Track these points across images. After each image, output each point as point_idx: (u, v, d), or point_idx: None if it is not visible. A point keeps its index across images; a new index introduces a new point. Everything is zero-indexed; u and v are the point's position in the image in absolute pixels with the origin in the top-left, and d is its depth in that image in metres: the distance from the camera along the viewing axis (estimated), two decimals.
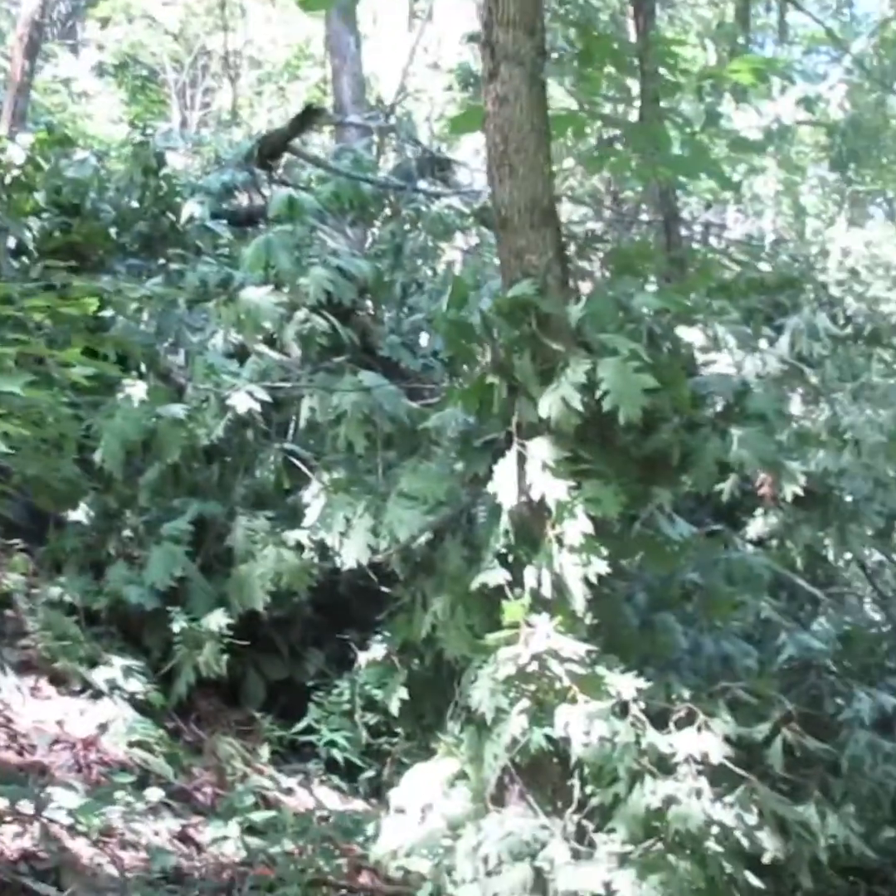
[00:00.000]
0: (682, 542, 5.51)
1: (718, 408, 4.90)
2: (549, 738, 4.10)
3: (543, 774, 4.32)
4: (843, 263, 15.99)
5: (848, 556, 8.24)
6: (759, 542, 7.35)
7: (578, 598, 4.13)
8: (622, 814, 3.83)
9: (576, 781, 4.19)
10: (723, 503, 7.22)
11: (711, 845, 3.85)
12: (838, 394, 8.25)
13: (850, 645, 6.74)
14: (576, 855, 3.98)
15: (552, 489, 4.08)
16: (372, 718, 5.05)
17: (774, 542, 7.30)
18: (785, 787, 4.49)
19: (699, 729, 3.99)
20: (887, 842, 6.52)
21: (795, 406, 8.85)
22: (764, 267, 10.31)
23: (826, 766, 5.98)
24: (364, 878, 4.36)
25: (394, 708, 4.81)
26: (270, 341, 5.75)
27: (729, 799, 4.00)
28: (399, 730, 5.05)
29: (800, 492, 6.92)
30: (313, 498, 4.71)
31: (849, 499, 7.63)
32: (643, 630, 5.08)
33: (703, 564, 5.40)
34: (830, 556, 7.72)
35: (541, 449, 4.13)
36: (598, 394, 4.07)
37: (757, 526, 7.46)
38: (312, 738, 4.84)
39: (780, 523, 7.39)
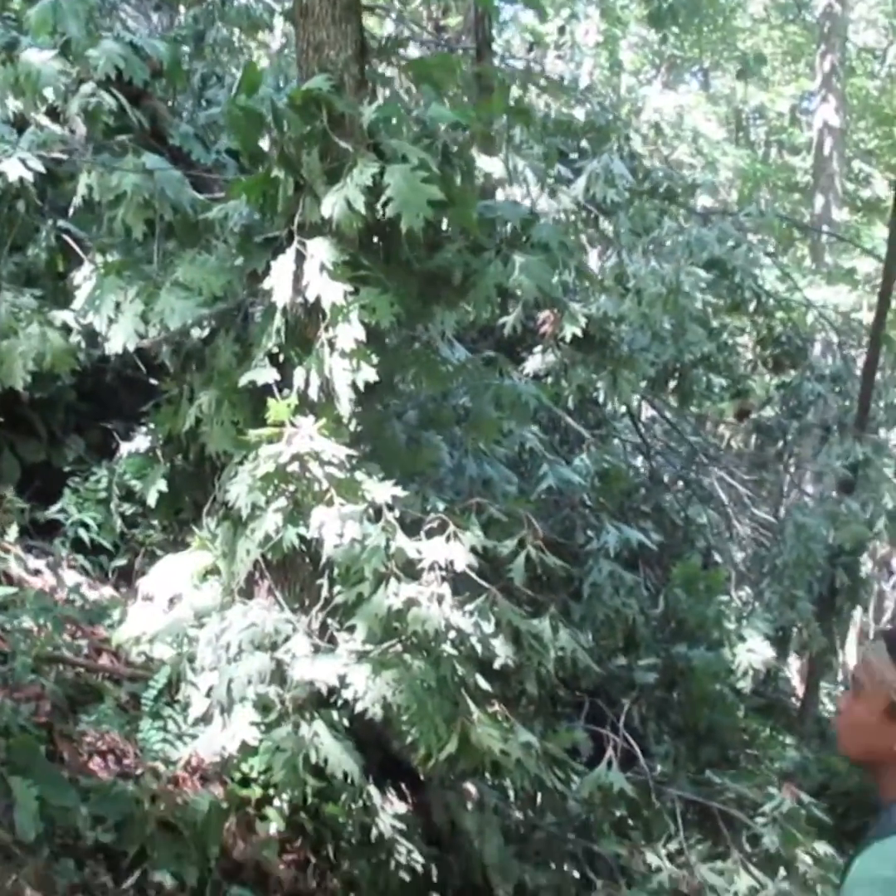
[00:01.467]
0: (457, 366, 5.60)
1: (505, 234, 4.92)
2: (302, 537, 4.16)
3: (293, 572, 4.41)
4: (651, 123, 16.14)
5: (619, 404, 8.54)
6: (536, 378, 7.51)
7: (344, 403, 4.14)
8: (364, 612, 3.94)
9: (324, 581, 4.28)
10: (504, 337, 7.35)
11: (447, 648, 4.01)
12: (626, 243, 8.41)
13: (608, 483, 7.05)
14: (316, 649, 4.09)
15: (328, 291, 4.05)
16: (128, 509, 5.00)
17: (550, 380, 7.48)
18: (525, 603, 4.70)
19: (448, 539, 4.11)
20: (618, 669, 6.97)
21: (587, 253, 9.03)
22: (575, 113, 10.29)
23: (568, 593, 6.31)
24: (104, 660, 4.38)
25: (151, 499, 4.77)
26: (53, 114, 5.43)
27: (469, 607, 4.16)
28: (155, 522, 5.03)
29: (579, 333, 7.12)
30: (84, 279, 4.54)
31: (625, 348, 7.88)
32: (409, 446, 5.16)
33: (475, 388, 5.50)
34: (601, 400, 7.96)
35: (321, 249, 4.08)
36: (383, 200, 4.02)
37: (535, 362, 7.64)
38: (62, 516, 4.77)
39: (558, 362, 7.58)
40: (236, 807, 4.11)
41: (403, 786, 4.86)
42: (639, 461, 9.81)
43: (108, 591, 4.80)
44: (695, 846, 4.86)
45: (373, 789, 4.51)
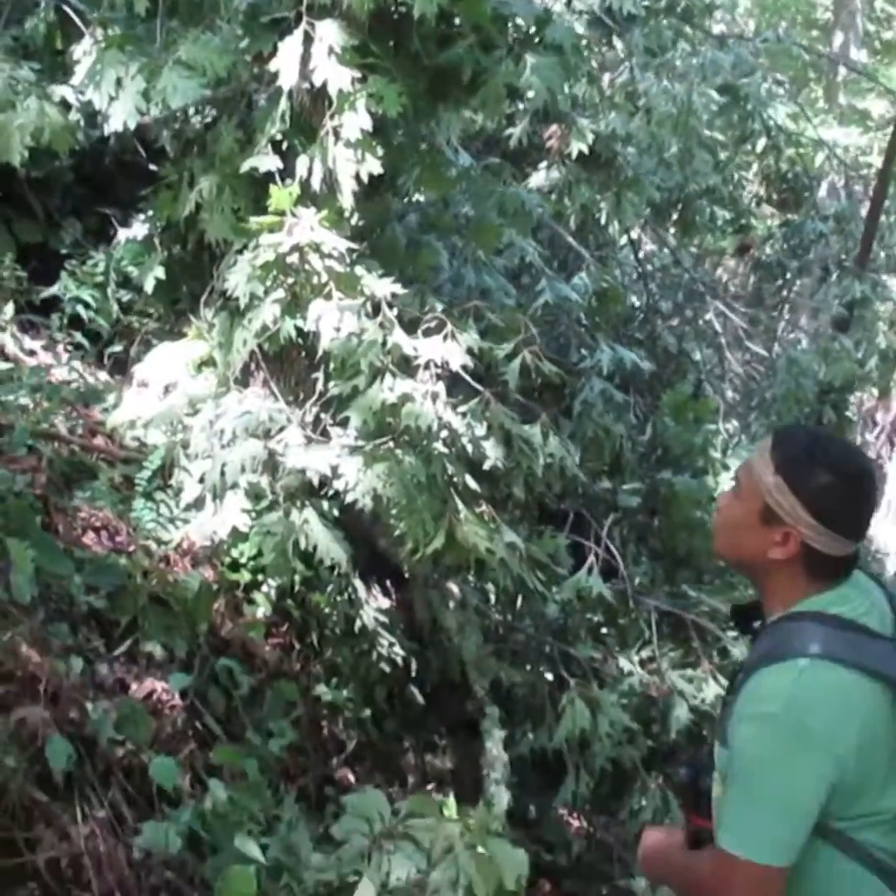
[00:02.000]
0: (461, 170, 5.52)
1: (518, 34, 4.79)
2: (299, 329, 4.15)
3: (289, 365, 4.42)
4: None
5: (621, 228, 8.45)
6: (539, 193, 7.39)
7: (347, 194, 4.09)
8: (358, 405, 3.96)
9: (320, 375, 4.30)
10: (510, 150, 7.22)
11: (438, 446, 4.05)
12: (639, 63, 8.21)
13: (605, 302, 7.02)
14: (309, 441, 4.13)
15: (336, 76, 3.95)
16: (125, 296, 4.96)
17: (554, 196, 7.38)
18: (518, 410, 4.73)
19: (445, 338, 4.12)
20: (602, 491, 7.06)
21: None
22: None
23: (559, 409, 6.35)
24: (99, 441, 4.41)
25: (149, 286, 4.75)
26: None
27: (462, 408, 4.19)
28: (151, 311, 5.01)
29: (585, 151, 6.98)
30: (84, 54, 4.41)
31: (631, 171, 7.74)
32: (409, 248, 5.12)
33: (478, 194, 5.42)
34: (603, 222, 7.86)
35: (330, 32, 3.97)
36: None
37: (539, 178, 7.51)
38: (60, 292, 4.73)
39: (562, 179, 7.46)
40: (225, 589, 4.22)
41: (388, 583, 4.99)
42: (637, 289, 9.76)
43: (103, 376, 4.81)
44: (667, 654, 5.02)
45: (358, 583, 4.62)
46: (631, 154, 7.89)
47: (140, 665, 3.64)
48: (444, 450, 4.03)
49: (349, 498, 3.94)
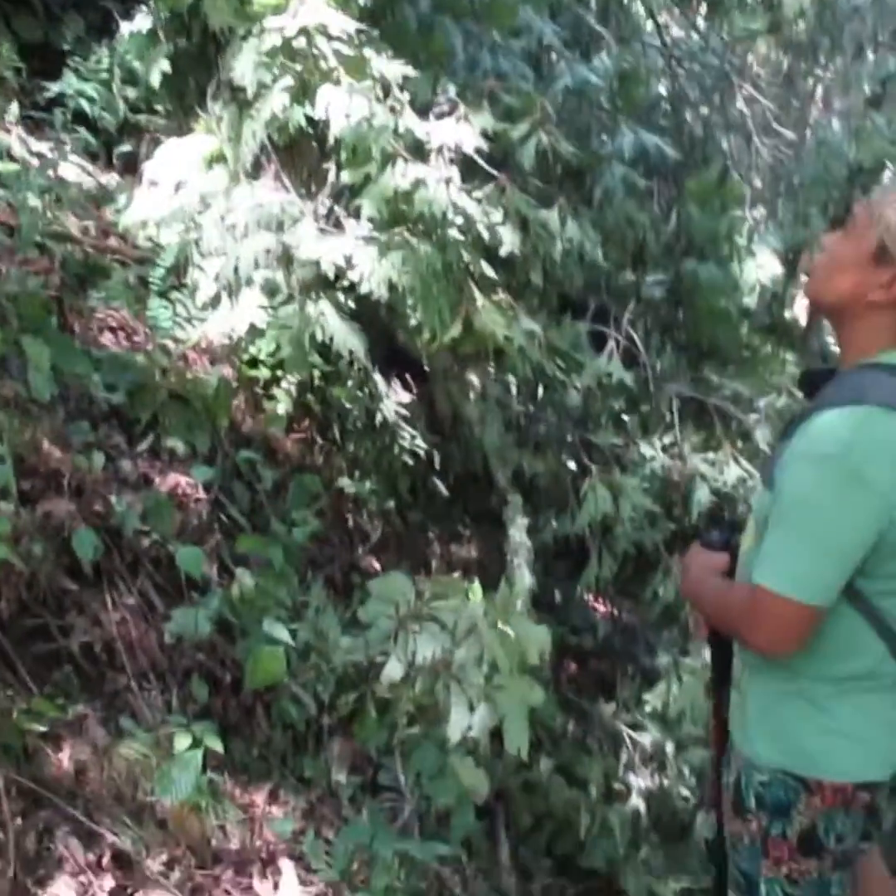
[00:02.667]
0: None
1: None
2: (309, 118, 4.05)
3: (300, 156, 4.32)
4: None
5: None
6: None
7: None
8: (371, 193, 3.89)
9: (331, 165, 4.21)
10: None
11: (453, 233, 3.99)
12: None
13: (628, 86, 6.78)
14: (323, 232, 4.08)
15: None
16: (132, 93, 4.83)
17: None
18: (535, 195, 4.64)
19: (458, 120, 4.01)
20: (626, 284, 6.97)
21: None
22: None
23: (580, 198, 6.21)
24: (111, 242, 4.37)
25: (155, 80, 4.60)
26: None
27: (478, 193, 4.11)
28: (159, 108, 4.87)
29: None
30: None
31: None
32: (421, 30, 4.93)
33: None
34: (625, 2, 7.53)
35: None
36: None
37: None
38: (65, 88, 4.61)
39: None
40: (245, 385, 4.23)
41: (408, 377, 4.98)
42: (663, 75, 9.41)
43: (113, 176, 4.72)
44: (688, 438, 5.04)
45: (378, 377, 4.62)
46: None
47: (162, 460, 3.69)
48: (460, 236, 3.96)
49: (364, 288, 3.91)
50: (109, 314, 4.09)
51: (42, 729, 2.71)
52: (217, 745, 2.95)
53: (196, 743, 2.92)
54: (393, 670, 3.55)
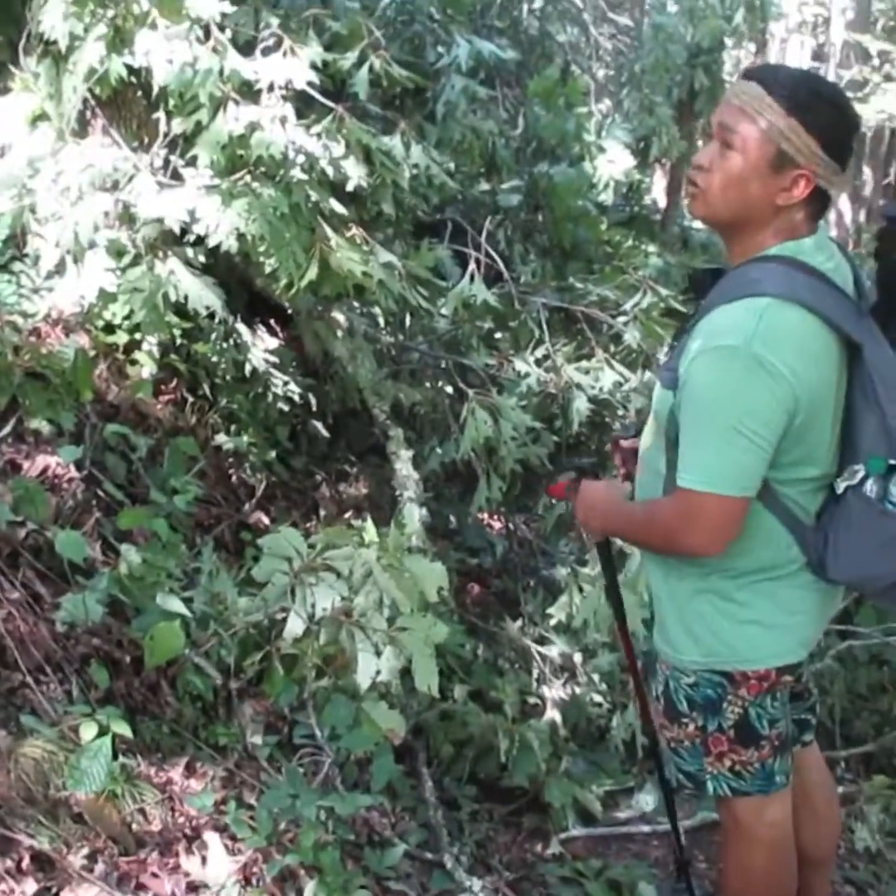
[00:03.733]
0: None
1: None
2: (130, 68, 3.87)
3: (127, 107, 4.14)
4: None
5: None
6: None
7: None
8: (205, 141, 3.75)
9: (161, 115, 4.04)
10: None
11: (296, 173, 3.87)
12: None
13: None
14: (162, 187, 3.92)
15: None
16: None
17: None
18: (377, 122, 4.53)
19: (285, 55, 3.87)
20: (481, 194, 6.89)
21: None
22: None
23: (423, 116, 6.10)
24: None
25: None
26: None
27: (316, 129, 3.99)
28: None
29: None
30: None
31: None
32: None
33: None
34: None
35: None
36: None
37: None
38: None
39: None
40: (104, 354, 4.09)
41: (273, 323, 4.88)
42: None
43: None
44: (560, 349, 5.03)
45: (242, 327, 4.52)
46: None
47: (28, 443, 3.56)
48: (303, 176, 3.84)
49: (212, 241, 3.78)
50: None
51: None
52: (125, 730, 2.88)
53: (103, 730, 2.85)
54: (294, 626, 3.51)
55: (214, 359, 4.36)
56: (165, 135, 3.99)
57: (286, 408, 4.62)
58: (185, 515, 3.81)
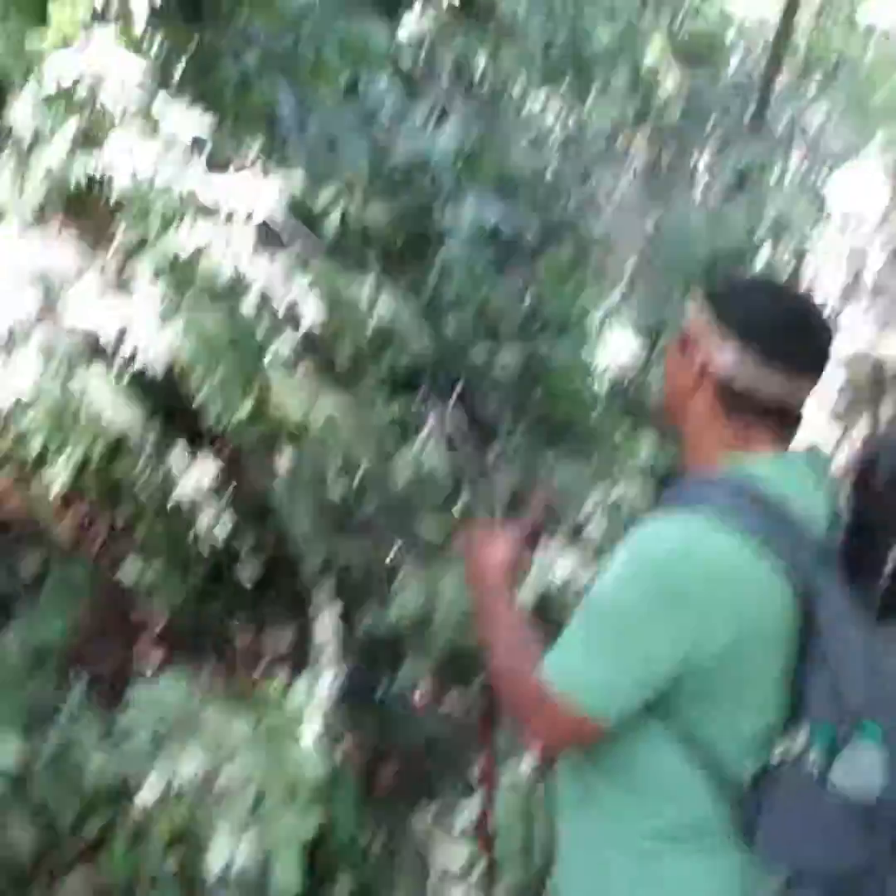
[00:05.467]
0: (302, 4, 5.02)
1: None
2: (91, 178, 3.70)
3: (85, 211, 3.96)
4: None
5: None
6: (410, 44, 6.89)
7: (140, 17, 3.61)
8: (151, 255, 3.55)
9: (121, 223, 3.85)
10: None
11: (247, 305, 3.66)
12: None
13: (480, 157, 6.53)
14: (104, 296, 3.70)
15: None
16: None
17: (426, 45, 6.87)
18: (352, 263, 4.33)
19: (258, 178, 3.70)
20: (477, 363, 6.71)
21: None
22: None
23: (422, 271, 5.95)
24: None
25: None
26: None
27: (280, 261, 3.79)
28: None
29: None
30: None
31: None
32: (241, 87, 4.63)
33: (317, 33, 4.90)
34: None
35: None
36: None
37: (410, 24, 6.98)
38: None
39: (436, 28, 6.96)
40: (10, 461, 3.80)
41: (213, 453, 4.60)
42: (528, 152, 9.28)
43: None
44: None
45: (177, 453, 4.24)
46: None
47: None
48: (252, 308, 3.62)
49: (139, 361, 3.54)
50: None
51: None
52: None
53: None
54: (150, 791, 3.15)
55: (136, 483, 4.06)
56: (122, 243, 3.78)
57: (211, 545, 4.30)
58: (60, 647, 3.47)
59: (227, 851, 3.04)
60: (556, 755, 2.05)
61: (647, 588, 1.82)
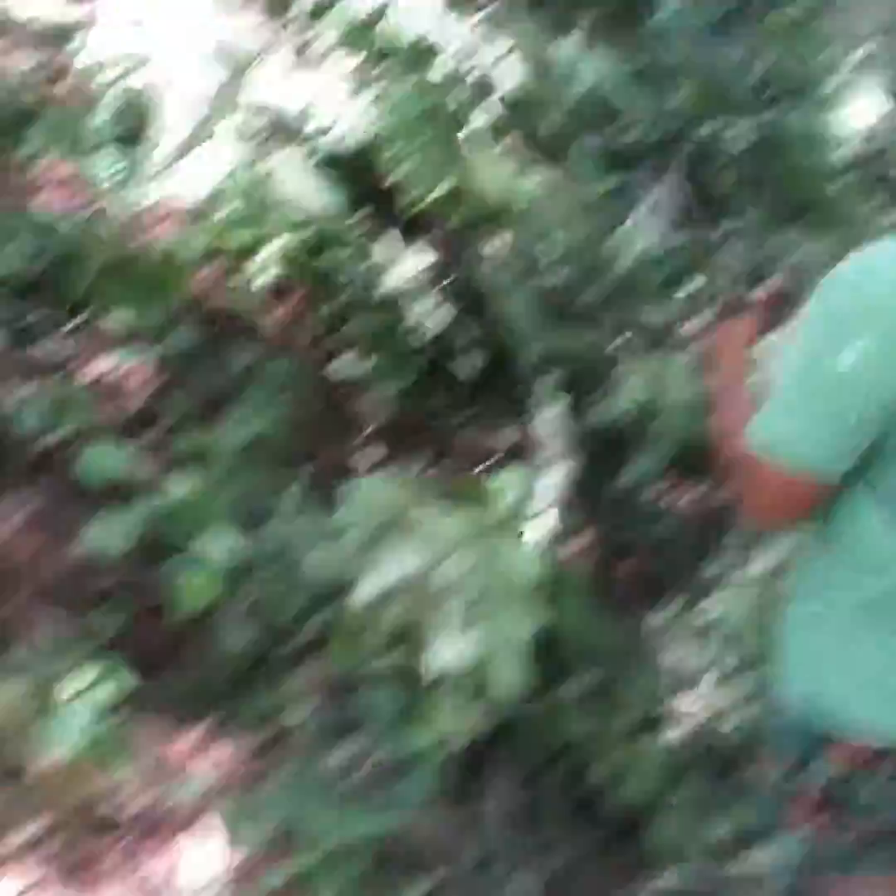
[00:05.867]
0: None
1: None
2: None
3: None
4: None
5: None
6: None
7: None
8: (332, 20, 3.24)
9: None
10: None
11: (441, 68, 3.32)
12: None
13: None
14: (291, 72, 3.43)
15: None
16: None
17: None
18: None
19: None
20: (707, 136, 6.19)
21: None
22: None
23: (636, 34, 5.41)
24: (63, 86, 3.78)
25: None
26: None
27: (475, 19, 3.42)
28: None
29: None
30: None
31: None
32: None
33: None
34: None
35: None
36: None
37: None
38: None
39: None
40: (212, 254, 3.64)
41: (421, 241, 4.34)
42: None
43: (72, 11, 4.10)
44: None
45: (385, 240, 4.00)
46: None
47: (97, 341, 3.14)
48: (444, 74, 3.27)
49: (331, 138, 3.27)
50: (49, 168, 3.52)
51: None
52: (127, 682, 2.45)
53: (99, 679, 2.43)
54: (366, 588, 3.02)
55: (343, 272, 3.85)
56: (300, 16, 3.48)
57: (423, 338, 4.10)
58: (273, 445, 3.34)
59: (445, 650, 2.90)
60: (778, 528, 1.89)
61: (827, 310, 1.64)
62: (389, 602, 3.01)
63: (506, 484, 3.47)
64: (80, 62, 3.76)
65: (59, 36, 3.97)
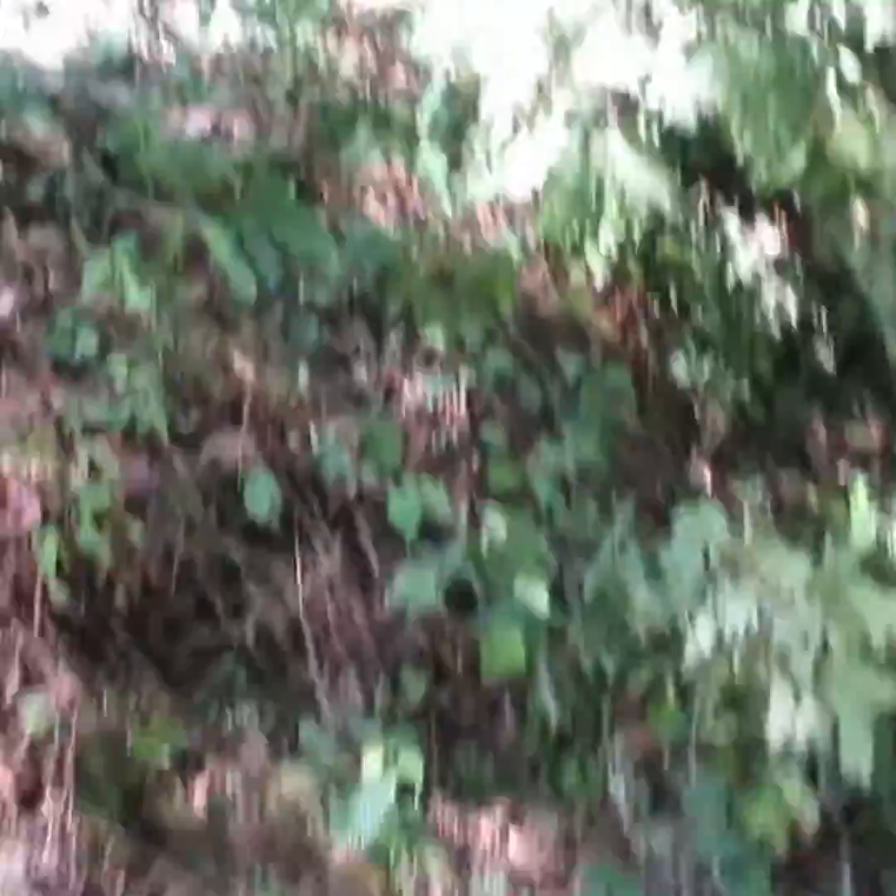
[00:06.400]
0: None
1: None
2: None
3: None
4: None
5: None
6: None
7: None
8: None
9: None
10: None
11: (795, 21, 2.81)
12: None
13: None
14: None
15: None
16: None
17: None
18: None
19: None
20: None
21: None
22: None
23: None
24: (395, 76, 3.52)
25: None
26: None
27: None
28: None
29: None
30: None
31: None
32: None
33: None
34: None
35: None
36: None
37: None
38: None
39: None
40: (547, 253, 3.32)
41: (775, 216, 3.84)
42: None
43: None
44: None
45: (731, 225, 3.55)
46: None
47: (411, 364, 2.89)
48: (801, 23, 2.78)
49: (669, 114, 2.85)
50: (373, 172, 3.30)
51: (166, 756, 2.10)
52: (416, 764, 2.21)
53: (401, 753, 2.21)
54: (701, 641, 2.64)
55: (687, 264, 3.44)
56: None
57: (776, 330, 3.63)
58: (598, 469, 3.00)
59: (787, 717, 2.49)
60: None
61: None
62: (722, 657, 2.63)
63: (865, 509, 2.94)
64: (413, 50, 3.51)
65: (389, 24, 3.76)
